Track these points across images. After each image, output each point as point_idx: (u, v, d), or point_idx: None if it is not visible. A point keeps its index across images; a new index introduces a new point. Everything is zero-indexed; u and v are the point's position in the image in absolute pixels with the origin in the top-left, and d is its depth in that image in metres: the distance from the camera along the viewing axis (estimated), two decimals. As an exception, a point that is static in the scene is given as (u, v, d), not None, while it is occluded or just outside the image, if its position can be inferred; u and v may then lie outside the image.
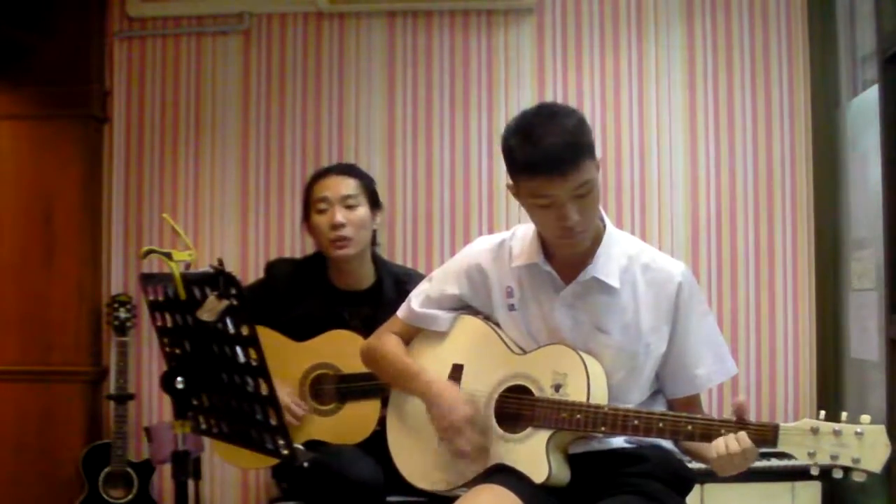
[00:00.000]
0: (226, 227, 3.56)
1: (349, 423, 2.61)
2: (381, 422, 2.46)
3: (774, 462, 2.99)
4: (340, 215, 2.69)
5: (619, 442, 1.99)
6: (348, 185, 2.75)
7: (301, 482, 2.56)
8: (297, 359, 2.68)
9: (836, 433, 1.67)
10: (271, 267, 2.87)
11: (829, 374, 3.37)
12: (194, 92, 3.59)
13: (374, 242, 2.84)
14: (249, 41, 3.59)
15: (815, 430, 1.69)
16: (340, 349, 2.59)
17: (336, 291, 2.77)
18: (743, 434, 1.75)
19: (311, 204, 2.78)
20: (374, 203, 2.81)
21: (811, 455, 1.69)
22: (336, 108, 3.57)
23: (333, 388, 2.65)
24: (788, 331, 3.42)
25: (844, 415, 1.69)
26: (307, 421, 2.63)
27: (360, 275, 2.80)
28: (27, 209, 3.52)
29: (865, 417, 1.67)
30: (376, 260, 2.85)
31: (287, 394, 2.60)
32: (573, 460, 1.97)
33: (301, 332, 2.70)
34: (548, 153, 1.83)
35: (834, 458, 1.66)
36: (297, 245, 3.46)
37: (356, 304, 2.76)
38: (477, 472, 2.02)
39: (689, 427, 1.83)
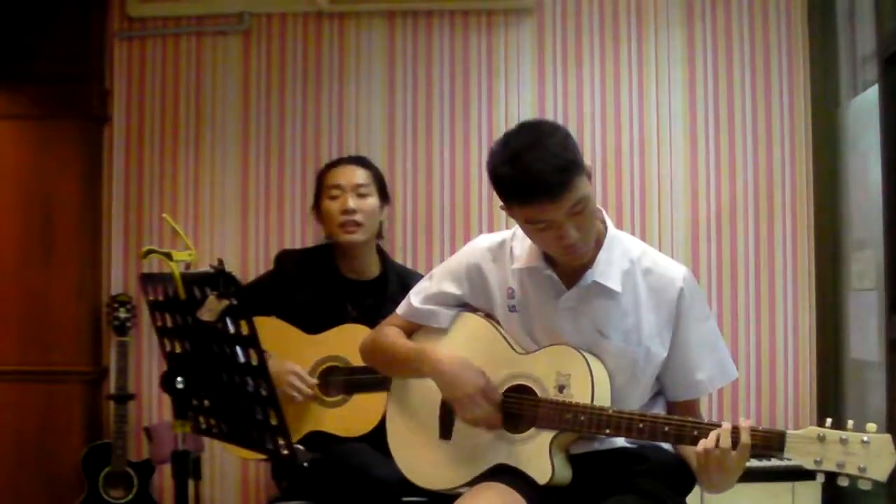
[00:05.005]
0: (226, 227, 3.56)
1: (355, 414, 2.62)
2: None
3: (775, 462, 2.99)
4: (352, 202, 2.78)
5: (620, 441, 1.98)
6: (361, 175, 2.85)
7: (309, 480, 2.55)
8: (308, 350, 2.70)
9: (843, 441, 1.66)
10: (280, 257, 2.93)
11: (829, 374, 3.37)
12: (194, 92, 3.59)
13: (380, 235, 2.91)
14: (249, 41, 3.59)
15: (821, 438, 1.68)
16: (352, 342, 2.59)
17: (342, 280, 2.82)
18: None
19: (323, 190, 2.87)
20: (384, 195, 2.89)
21: (817, 463, 1.68)
22: (336, 108, 3.57)
23: (342, 380, 2.67)
24: (788, 331, 3.41)
25: (850, 423, 1.68)
26: (314, 411, 2.65)
27: (367, 264, 2.86)
28: (27, 209, 3.52)
29: (871, 426, 1.66)
30: (381, 253, 2.91)
31: (295, 372, 2.63)
32: (575, 460, 1.97)
33: (307, 319, 2.73)
34: (537, 181, 1.78)
35: (840, 466, 1.66)
36: (297, 245, 3.45)
37: (361, 294, 2.80)
38: (477, 473, 2.01)
39: (695, 432, 1.82)
